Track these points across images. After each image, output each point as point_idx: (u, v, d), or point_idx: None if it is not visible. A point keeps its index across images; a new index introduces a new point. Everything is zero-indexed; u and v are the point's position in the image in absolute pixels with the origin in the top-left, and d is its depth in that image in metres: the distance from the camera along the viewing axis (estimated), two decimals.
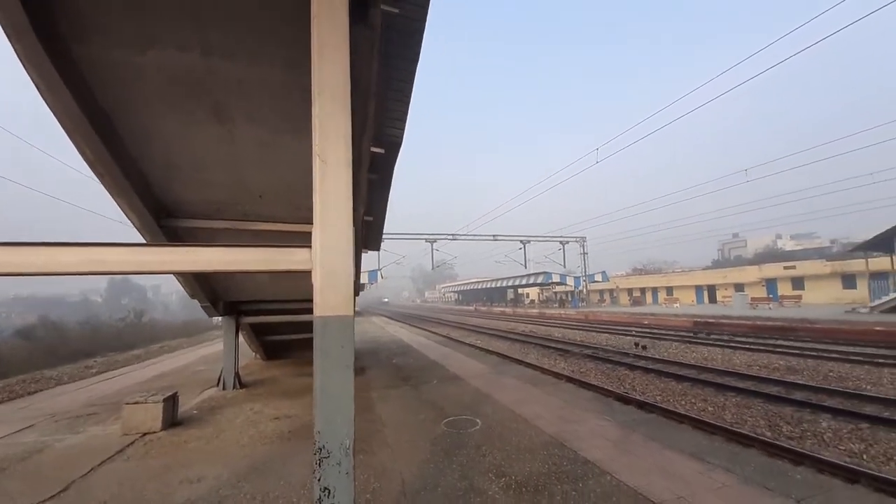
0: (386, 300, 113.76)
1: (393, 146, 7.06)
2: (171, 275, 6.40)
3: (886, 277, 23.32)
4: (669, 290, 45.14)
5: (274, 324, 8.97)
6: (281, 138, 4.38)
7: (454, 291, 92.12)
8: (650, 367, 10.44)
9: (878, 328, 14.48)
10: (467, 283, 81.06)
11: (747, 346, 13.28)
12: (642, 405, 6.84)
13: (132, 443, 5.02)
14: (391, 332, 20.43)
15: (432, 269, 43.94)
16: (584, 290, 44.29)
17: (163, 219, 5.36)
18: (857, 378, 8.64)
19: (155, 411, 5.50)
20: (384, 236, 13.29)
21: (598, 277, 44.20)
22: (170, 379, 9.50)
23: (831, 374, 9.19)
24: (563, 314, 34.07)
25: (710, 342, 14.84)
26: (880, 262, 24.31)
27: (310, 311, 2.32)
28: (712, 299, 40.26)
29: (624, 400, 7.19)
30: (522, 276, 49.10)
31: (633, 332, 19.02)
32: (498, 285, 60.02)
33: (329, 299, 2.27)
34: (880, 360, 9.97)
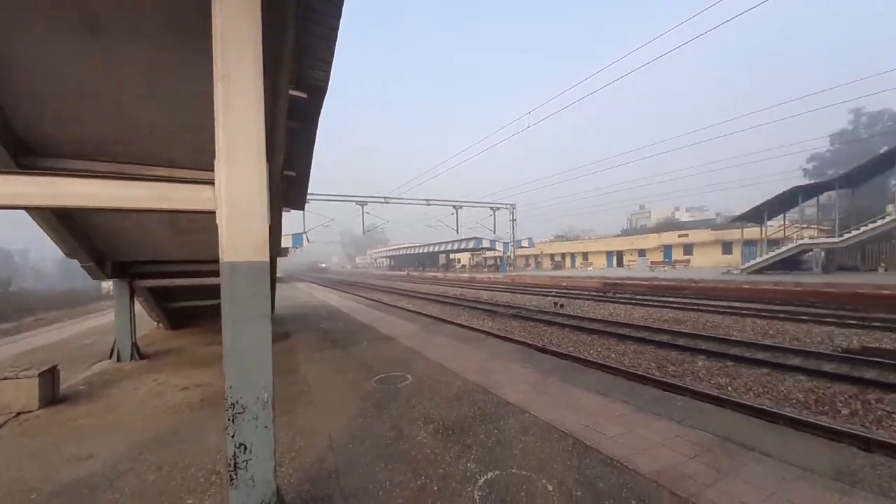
0: (324, 265, 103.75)
1: (317, 91, 6.44)
2: (36, 221, 5.25)
3: (755, 244, 28.10)
4: (585, 255, 49.70)
5: (177, 288, 8.05)
6: (174, 60, 3.70)
7: (386, 257, 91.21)
8: (566, 322, 11.55)
9: (745, 286, 17.57)
10: (399, 248, 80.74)
11: (645, 303, 15.29)
12: (558, 355, 7.59)
13: (4, 423, 4.27)
14: (319, 298, 19.76)
15: (363, 233, 42.79)
16: (512, 256, 46.82)
17: (22, 157, 4.35)
18: (727, 326, 10.46)
19: (29, 387, 4.70)
20: (309, 197, 12.43)
21: (525, 244, 46.87)
22: (49, 354, 8.18)
23: (708, 323, 11.01)
24: (492, 278, 35.86)
25: (616, 300, 16.80)
26: (752, 232, 29.13)
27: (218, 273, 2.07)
28: (620, 263, 45.27)
29: (543, 351, 7.93)
30: (454, 241, 50.16)
31: (553, 293, 20.74)
32: (430, 250, 60.68)
33: (238, 243, 2.03)
34: (744, 312, 12.16)
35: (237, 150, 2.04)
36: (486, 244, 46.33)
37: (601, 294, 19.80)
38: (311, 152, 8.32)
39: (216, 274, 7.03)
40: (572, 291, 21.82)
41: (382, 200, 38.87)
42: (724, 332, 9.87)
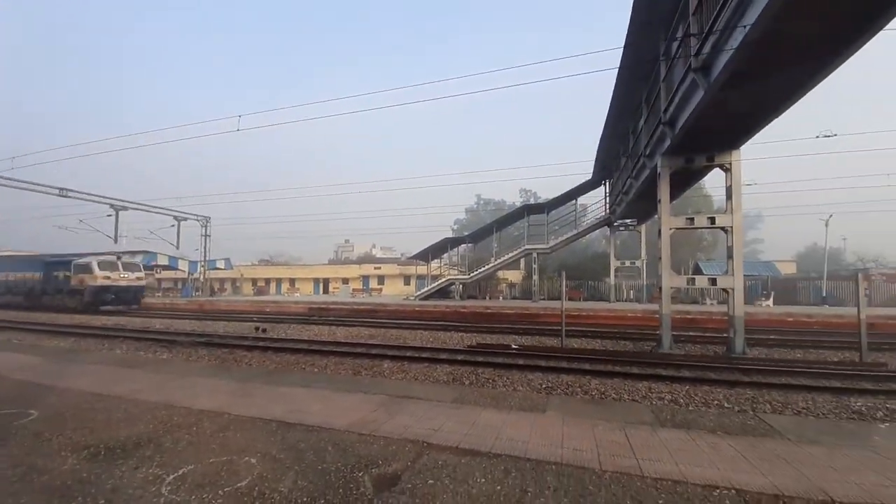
0: None
1: None
2: None
3: (424, 278, 37.11)
4: (293, 281, 49.44)
5: None
6: None
7: None
8: (269, 346, 11.27)
9: (417, 308, 22.91)
10: None
11: (347, 324, 17.14)
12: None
13: None
14: None
15: None
16: (202, 278, 39.95)
17: None
18: (405, 337, 13.36)
19: None
20: None
21: (221, 265, 41.38)
22: None
23: (393, 336, 13.69)
24: (169, 303, 29.27)
25: (321, 322, 17.87)
26: (422, 269, 38.42)
27: None
28: (326, 290, 47.96)
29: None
30: (104, 254, 37.42)
31: (255, 319, 19.45)
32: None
33: None
34: (416, 326, 15.93)
35: None
36: (162, 261, 37.30)
37: (307, 318, 20.35)
38: None
39: None
40: (278, 316, 21.22)
41: None
42: (403, 341, 12.59)
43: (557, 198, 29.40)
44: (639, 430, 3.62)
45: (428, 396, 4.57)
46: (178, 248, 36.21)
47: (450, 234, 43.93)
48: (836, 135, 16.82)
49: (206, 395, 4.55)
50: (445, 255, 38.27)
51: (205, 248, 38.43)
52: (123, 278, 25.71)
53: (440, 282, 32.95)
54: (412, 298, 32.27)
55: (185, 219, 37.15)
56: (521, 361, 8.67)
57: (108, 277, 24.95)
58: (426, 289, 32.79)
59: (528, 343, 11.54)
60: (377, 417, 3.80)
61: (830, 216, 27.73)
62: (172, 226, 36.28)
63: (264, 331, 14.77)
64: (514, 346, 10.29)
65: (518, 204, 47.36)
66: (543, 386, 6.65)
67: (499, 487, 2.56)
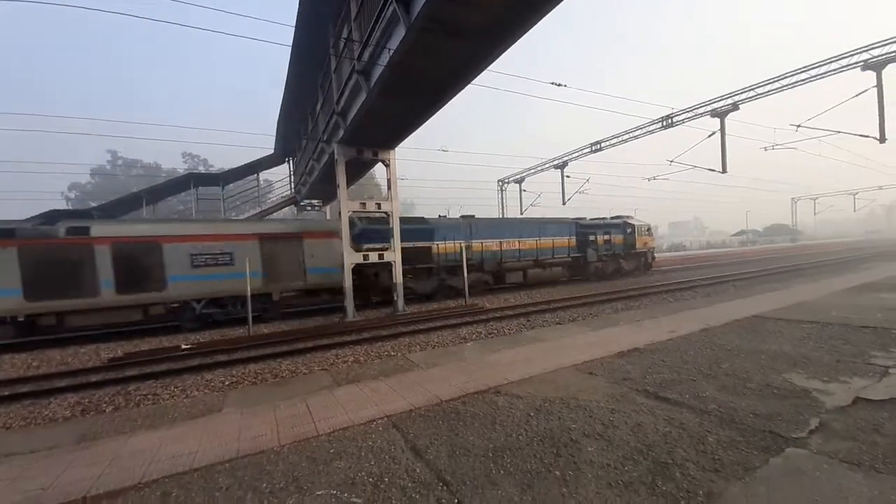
0: None
1: None
2: None
3: None
4: None
5: None
6: None
7: None
8: None
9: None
10: None
11: None
12: None
13: None
14: None
15: None
16: None
17: None
18: None
19: None
20: None
21: None
22: None
23: None
24: None
25: None
26: None
27: None
28: None
29: None
30: None
31: None
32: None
33: None
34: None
35: None
36: None
37: None
38: None
39: None
40: None
41: None
42: None
43: (235, 169, 26.21)
44: (318, 396, 3.96)
45: (25, 450, 3.14)
46: None
47: (63, 206, 31.11)
48: (448, 150, 24.07)
49: None
50: None
51: None
52: None
53: None
54: None
55: None
56: (196, 362, 7.48)
57: None
58: None
59: (206, 339, 10.05)
60: None
61: (449, 209, 40.73)
62: None
63: None
64: (184, 347, 8.71)
65: (182, 171, 39.28)
66: (226, 383, 6.02)
67: None
